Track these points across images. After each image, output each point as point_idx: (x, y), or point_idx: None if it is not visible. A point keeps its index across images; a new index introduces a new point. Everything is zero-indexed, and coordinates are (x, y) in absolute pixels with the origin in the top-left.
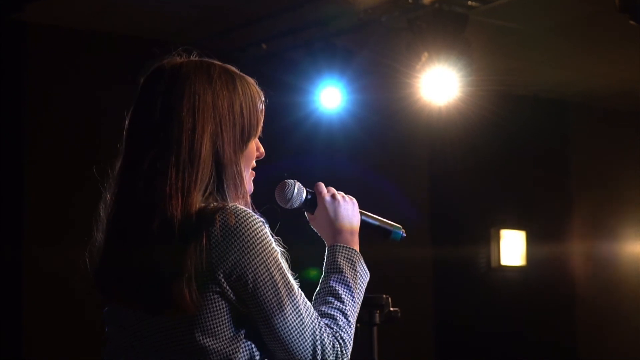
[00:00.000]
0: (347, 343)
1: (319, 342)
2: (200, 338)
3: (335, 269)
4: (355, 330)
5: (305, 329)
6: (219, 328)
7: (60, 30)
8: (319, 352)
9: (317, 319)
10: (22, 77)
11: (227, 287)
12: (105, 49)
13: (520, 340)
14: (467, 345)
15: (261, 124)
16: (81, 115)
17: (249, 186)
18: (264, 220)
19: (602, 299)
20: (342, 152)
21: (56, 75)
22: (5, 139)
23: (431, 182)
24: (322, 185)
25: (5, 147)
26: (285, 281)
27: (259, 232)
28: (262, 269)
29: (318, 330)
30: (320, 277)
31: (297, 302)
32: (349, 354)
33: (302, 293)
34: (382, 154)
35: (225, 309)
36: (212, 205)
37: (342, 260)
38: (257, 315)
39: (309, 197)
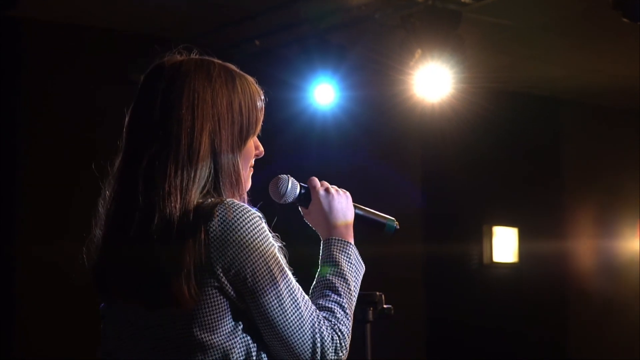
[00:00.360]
0: (346, 335)
1: (318, 335)
2: (198, 333)
3: (331, 262)
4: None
5: (304, 323)
6: (216, 323)
7: (54, 26)
8: (319, 345)
9: (316, 312)
10: (16, 74)
11: (226, 282)
12: (99, 45)
13: (511, 337)
14: (459, 341)
15: (260, 122)
16: (76, 111)
17: (247, 183)
18: (261, 215)
19: (594, 296)
20: (336, 149)
21: (51, 72)
22: (0, 135)
23: (424, 178)
24: (316, 179)
25: (0, 144)
26: (283, 276)
27: (257, 226)
28: (260, 264)
29: (317, 323)
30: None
31: (295, 296)
32: (347, 346)
33: (300, 287)
34: (375, 150)
35: (223, 304)
36: (209, 200)
37: (337, 253)
38: (256, 310)
39: (302, 191)
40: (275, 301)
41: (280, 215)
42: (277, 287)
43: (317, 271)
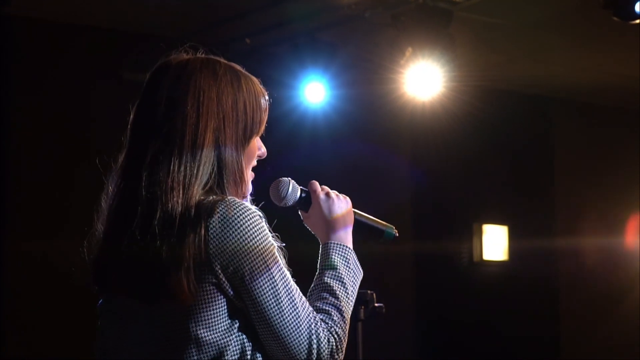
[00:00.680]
0: (342, 338)
1: (314, 336)
2: (194, 329)
3: (329, 266)
4: None
5: (301, 323)
6: (213, 320)
7: (46, 24)
8: (315, 346)
9: (313, 313)
10: (9, 71)
11: (224, 279)
12: (91, 43)
13: (502, 335)
14: (450, 339)
15: (264, 123)
16: (68, 109)
17: (249, 184)
18: (261, 214)
19: (584, 294)
20: (326, 147)
21: (43, 69)
22: None
23: (414, 176)
24: (317, 183)
25: None
26: (282, 275)
27: (257, 225)
28: (258, 262)
29: (314, 324)
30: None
31: (293, 296)
32: (343, 349)
33: (298, 288)
34: (365, 148)
35: (221, 301)
36: (211, 197)
37: (336, 257)
38: (253, 309)
39: (303, 195)
40: (273, 300)
41: (280, 216)
42: (275, 286)
43: (315, 274)
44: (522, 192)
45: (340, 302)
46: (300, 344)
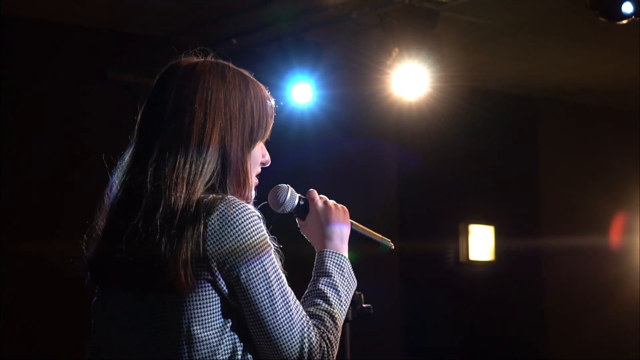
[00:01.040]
0: (334, 344)
1: (306, 340)
2: (188, 325)
3: (324, 273)
4: None
5: (294, 326)
6: (207, 317)
7: (32, 23)
8: (306, 350)
9: (306, 317)
10: None
11: (219, 277)
12: (78, 42)
13: (488, 335)
14: (436, 339)
15: (269, 129)
16: (56, 109)
17: (252, 191)
18: (260, 215)
19: (569, 294)
20: (313, 147)
21: (29, 68)
22: None
23: (400, 176)
24: (315, 192)
25: None
26: (277, 276)
27: (255, 225)
28: (255, 262)
29: (306, 328)
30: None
31: (287, 298)
32: (334, 355)
33: (293, 292)
34: (352, 149)
35: (215, 299)
36: (211, 195)
37: (331, 265)
38: (247, 308)
39: (301, 203)
40: (267, 301)
41: (277, 219)
42: (270, 287)
43: (310, 279)
44: (508, 192)
45: (334, 309)
46: (292, 347)
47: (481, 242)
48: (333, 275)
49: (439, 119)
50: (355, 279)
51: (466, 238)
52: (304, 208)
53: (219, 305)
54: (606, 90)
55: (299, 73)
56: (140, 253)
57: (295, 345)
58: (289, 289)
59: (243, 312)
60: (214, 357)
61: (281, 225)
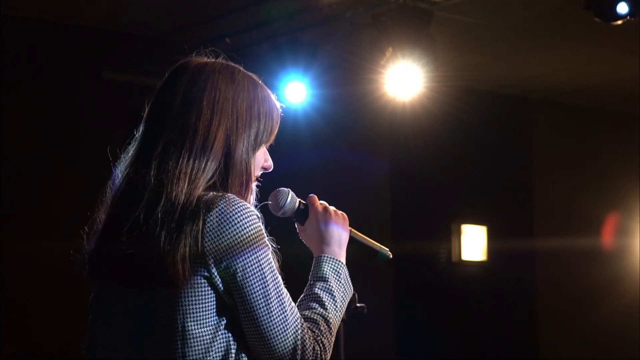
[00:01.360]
0: (327, 348)
1: (299, 342)
2: (182, 320)
3: (320, 278)
4: None
5: (288, 327)
6: (201, 313)
7: (27, 21)
8: (299, 352)
9: (300, 320)
10: None
11: (216, 274)
12: (71, 41)
13: (480, 335)
14: (428, 339)
15: (274, 134)
16: (50, 107)
17: (252, 194)
18: (259, 215)
19: (562, 294)
20: (307, 147)
21: (23, 67)
22: None
23: (393, 176)
24: (315, 197)
25: None
26: (273, 277)
27: (253, 224)
28: (252, 260)
29: (300, 330)
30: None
31: (282, 299)
32: (327, 359)
33: (288, 293)
34: (346, 148)
35: (210, 296)
36: (211, 193)
37: (328, 270)
38: (242, 307)
39: (301, 207)
40: (262, 300)
41: (276, 221)
42: (265, 286)
43: (307, 283)
44: (501, 192)
45: (329, 313)
46: (285, 348)
47: (474, 242)
48: (329, 280)
49: (433, 119)
50: (351, 285)
51: (459, 238)
52: (304, 213)
53: (214, 302)
54: (600, 90)
55: (293, 72)
56: (140, 246)
57: (288, 346)
58: (284, 290)
59: (238, 310)
60: (208, 355)
61: (280, 227)
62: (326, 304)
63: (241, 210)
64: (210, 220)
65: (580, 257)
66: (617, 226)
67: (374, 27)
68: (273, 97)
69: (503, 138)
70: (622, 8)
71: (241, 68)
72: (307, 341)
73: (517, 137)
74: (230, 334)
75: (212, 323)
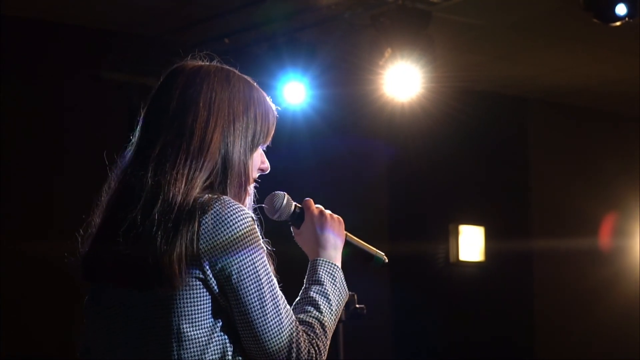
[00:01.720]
0: (322, 352)
1: (294, 344)
2: (178, 323)
3: (316, 281)
4: None
5: (283, 330)
6: (197, 315)
7: (25, 21)
8: (294, 354)
9: (296, 323)
10: None
11: (211, 276)
12: (70, 40)
13: (478, 336)
14: (426, 340)
15: (271, 136)
16: (48, 107)
17: (250, 197)
18: (254, 217)
19: (559, 295)
20: (305, 148)
21: (21, 66)
22: None
23: (391, 177)
24: (311, 201)
25: None
26: (268, 279)
27: (249, 226)
28: (247, 263)
29: (295, 333)
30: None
31: (278, 302)
32: None
33: (283, 296)
34: (344, 149)
35: (206, 298)
36: (207, 195)
37: (323, 274)
38: (237, 309)
39: (297, 210)
40: (257, 302)
41: (272, 224)
42: (260, 289)
43: (302, 286)
44: (499, 192)
45: (324, 316)
46: (280, 350)
47: (471, 243)
48: (325, 283)
49: (431, 119)
50: (347, 289)
51: (456, 238)
52: (299, 216)
53: (210, 304)
54: (599, 91)
55: (292, 73)
56: (136, 246)
57: (283, 349)
58: (279, 292)
59: (233, 312)
60: (203, 356)
61: (275, 230)
62: (322, 307)
63: (236, 212)
64: (206, 222)
65: (578, 257)
66: (614, 227)
67: (372, 27)
68: (268, 99)
69: (501, 139)
70: (621, 9)
71: (236, 70)
72: (302, 344)
73: (516, 137)
74: (226, 336)
75: (208, 325)
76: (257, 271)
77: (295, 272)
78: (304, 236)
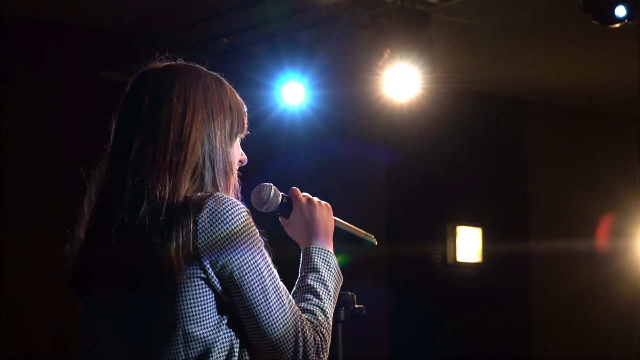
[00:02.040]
0: (327, 338)
1: (300, 334)
2: (183, 324)
3: (312, 269)
4: None
5: (287, 321)
6: (202, 315)
7: (23, 21)
8: (301, 344)
9: (299, 312)
10: None
11: (212, 274)
12: (68, 40)
13: (475, 336)
14: (423, 341)
15: (246, 127)
16: (47, 107)
17: (237, 186)
18: (249, 211)
19: (557, 296)
20: (304, 148)
21: (19, 66)
22: None
23: (389, 177)
24: (298, 190)
25: None
26: (270, 272)
27: (245, 220)
28: (248, 258)
29: (300, 323)
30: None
31: (280, 293)
32: (328, 349)
33: (285, 286)
34: (343, 149)
35: (209, 297)
36: (199, 194)
37: (318, 261)
38: (241, 305)
39: (285, 201)
40: (261, 296)
41: (265, 216)
42: (263, 282)
43: (297, 277)
44: (496, 193)
45: (324, 303)
46: (287, 341)
47: (469, 244)
48: (321, 270)
49: (430, 120)
50: (341, 274)
51: (454, 239)
52: (288, 206)
53: (213, 302)
54: (597, 93)
55: (291, 73)
56: (131, 247)
57: (290, 340)
58: (281, 283)
59: (237, 307)
60: (211, 355)
61: (270, 219)
62: (321, 294)
63: (231, 207)
64: (202, 220)
65: (575, 259)
66: (612, 228)
67: (371, 28)
68: (237, 94)
69: (499, 139)
70: (620, 11)
71: (203, 67)
72: (307, 332)
73: (514, 138)
74: (232, 332)
75: (213, 323)
76: (258, 265)
77: (289, 262)
78: (293, 225)
